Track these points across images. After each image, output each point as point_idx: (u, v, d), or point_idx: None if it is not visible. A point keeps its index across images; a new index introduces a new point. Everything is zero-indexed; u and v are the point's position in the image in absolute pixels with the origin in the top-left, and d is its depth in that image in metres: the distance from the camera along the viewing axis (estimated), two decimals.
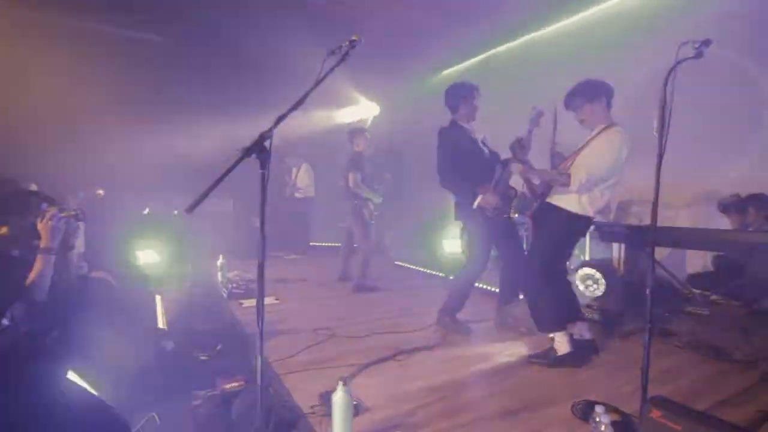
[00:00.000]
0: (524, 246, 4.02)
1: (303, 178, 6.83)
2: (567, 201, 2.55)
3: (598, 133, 2.52)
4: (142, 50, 5.98)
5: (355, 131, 4.63)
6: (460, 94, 3.12)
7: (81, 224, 2.38)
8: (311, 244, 7.42)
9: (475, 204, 2.98)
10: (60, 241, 2.15)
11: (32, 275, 2.05)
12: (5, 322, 1.26)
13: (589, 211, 2.52)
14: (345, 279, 4.87)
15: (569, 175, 2.47)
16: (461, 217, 3.17)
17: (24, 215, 2.21)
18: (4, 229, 2.21)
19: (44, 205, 2.32)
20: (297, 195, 6.86)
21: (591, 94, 2.53)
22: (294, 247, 7.00)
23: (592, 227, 2.84)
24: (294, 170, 6.93)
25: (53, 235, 2.11)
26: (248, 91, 6.79)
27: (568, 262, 2.89)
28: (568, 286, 2.72)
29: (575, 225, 2.58)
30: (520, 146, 2.76)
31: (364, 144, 4.54)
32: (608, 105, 2.54)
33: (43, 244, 2.09)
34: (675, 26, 3.95)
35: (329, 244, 7.36)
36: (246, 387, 2.06)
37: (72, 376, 1.57)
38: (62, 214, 2.17)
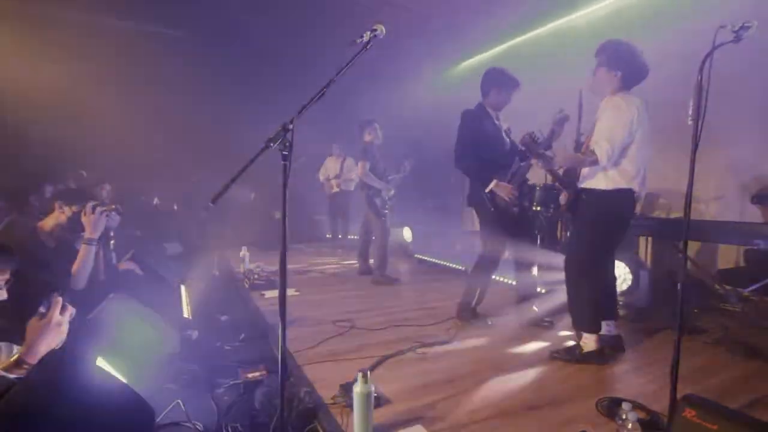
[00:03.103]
0: (538, 240, 3.96)
1: (351, 170, 6.64)
2: (595, 180, 2.41)
3: (605, 104, 2.38)
4: (161, 44, 6.07)
5: (364, 122, 4.62)
6: (496, 81, 3.02)
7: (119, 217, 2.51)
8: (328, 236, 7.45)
9: (488, 187, 2.92)
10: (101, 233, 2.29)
11: (76, 264, 2.17)
12: (42, 310, 1.31)
13: (622, 183, 2.33)
14: (364, 273, 4.86)
15: (593, 151, 2.30)
16: (474, 203, 3.11)
17: (67, 204, 2.34)
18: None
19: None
20: (343, 188, 6.60)
21: (609, 61, 2.35)
22: (332, 242, 6.95)
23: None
24: (337, 162, 6.71)
25: (96, 227, 2.25)
26: (267, 83, 6.83)
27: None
28: (611, 282, 2.59)
29: (612, 202, 2.38)
30: (531, 140, 2.68)
31: (374, 135, 4.54)
32: (624, 81, 2.34)
33: (87, 235, 2.24)
34: (711, 8, 3.77)
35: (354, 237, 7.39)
36: (268, 376, 2.09)
37: (101, 362, 1.62)
38: (104, 208, 2.29)
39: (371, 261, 4.82)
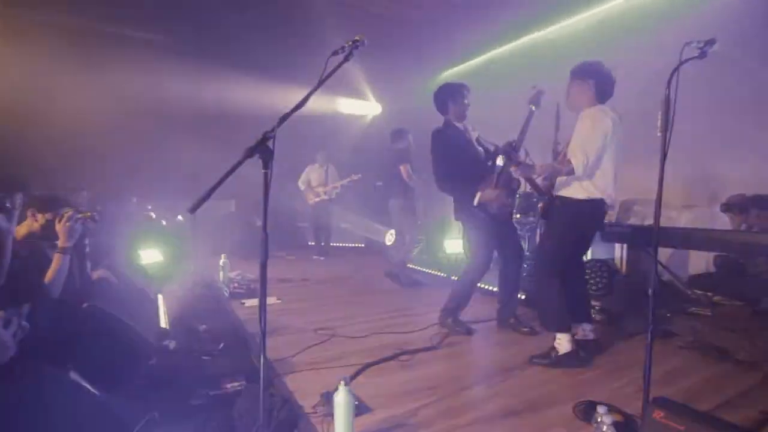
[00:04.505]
0: (524, 246, 4.03)
1: (335, 179, 6.68)
2: (571, 189, 2.50)
3: (582, 116, 2.48)
4: (141, 49, 5.99)
5: (397, 131, 4.74)
6: (447, 94, 3.12)
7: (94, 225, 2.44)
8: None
9: (476, 201, 2.96)
10: (75, 242, 2.21)
11: (50, 273, 2.10)
12: (22, 321, 1.26)
13: (595, 194, 2.44)
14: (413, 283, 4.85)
15: (569, 161, 2.38)
16: (460, 217, 3.16)
17: (40, 211, 2.27)
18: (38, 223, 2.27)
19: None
20: (324, 197, 6.60)
21: (580, 73, 2.49)
22: (316, 250, 6.88)
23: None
24: (321, 170, 6.68)
25: (71, 235, 2.17)
26: (249, 92, 6.79)
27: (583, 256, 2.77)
28: (580, 285, 2.68)
29: (584, 211, 2.49)
30: (512, 148, 2.75)
31: (406, 143, 4.66)
32: (597, 91, 2.45)
33: (60, 243, 2.16)
34: (679, 25, 3.93)
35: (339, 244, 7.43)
36: (248, 386, 2.06)
37: (73, 375, 1.57)
38: (79, 215, 2.22)
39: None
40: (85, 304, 2.13)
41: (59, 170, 5.16)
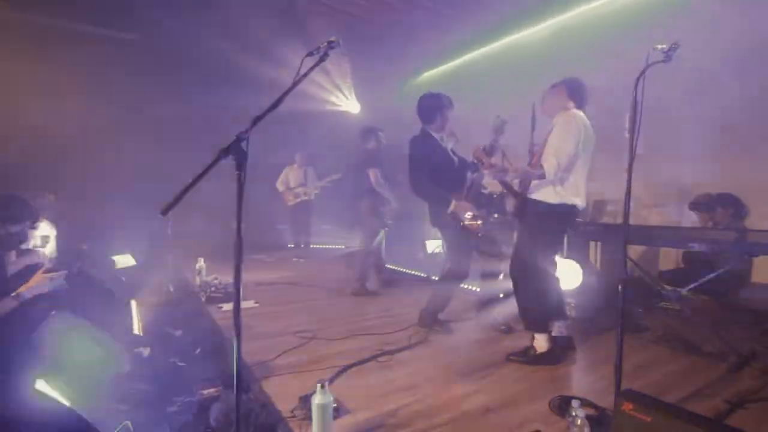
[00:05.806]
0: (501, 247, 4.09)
1: (313, 180, 6.67)
2: (543, 193, 2.55)
3: (556, 121, 2.55)
4: (111, 49, 5.83)
5: (367, 130, 4.48)
6: (438, 106, 3.09)
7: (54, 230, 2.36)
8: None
9: (450, 209, 2.99)
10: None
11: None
12: None
13: (567, 198, 2.50)
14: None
15: (542, 166, 2.44)
16: (437, 224, 3.18)
17: (10, 223, 2.17)
18: None
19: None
20: (304, 198, 6.65)
21: (568, 90, 2.56)
22: (295, 252, 6.87)
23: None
24: (299, 171, 6.70)
25: (39, 286, 2.08)
26: (224, 94, 6.67)
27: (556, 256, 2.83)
28: (555, 284, 2.75)
29: (557, 215, 2.55)
30: (484, 153, 2.79)
31: (378, 143, 4.42)
32: (570, 97, 2.54)
33: (24, 288, 2.05)
34: (649, 30, 4.07)
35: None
36: (224, 392, 2.03)
37: (41, 386, 1.52)
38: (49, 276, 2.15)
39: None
40: (53, 312, 2.06)
41: (23, 171, 4.96)
